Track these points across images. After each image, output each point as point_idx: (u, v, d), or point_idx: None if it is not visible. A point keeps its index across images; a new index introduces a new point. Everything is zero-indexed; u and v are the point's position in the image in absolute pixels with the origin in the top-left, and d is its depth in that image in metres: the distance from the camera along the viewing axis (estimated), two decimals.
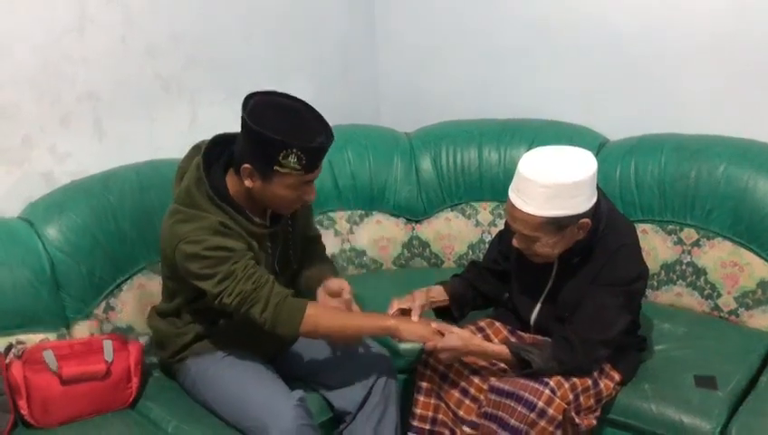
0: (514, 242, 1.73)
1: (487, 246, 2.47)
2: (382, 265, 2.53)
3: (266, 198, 1.70)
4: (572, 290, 1.76)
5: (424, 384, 1.87)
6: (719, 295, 2.15)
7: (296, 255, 1.92)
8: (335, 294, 1.85)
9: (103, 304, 1.98)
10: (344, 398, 1.88)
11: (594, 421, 1.77)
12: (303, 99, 2.74)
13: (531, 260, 1.76)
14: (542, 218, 1.61)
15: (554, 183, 1.60)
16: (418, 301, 1.83)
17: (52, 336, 1.85)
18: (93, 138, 2.15)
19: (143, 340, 1.98)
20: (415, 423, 1.87)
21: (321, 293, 1.87)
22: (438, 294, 1.93)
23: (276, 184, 1.66)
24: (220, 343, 1.85)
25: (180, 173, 1.79)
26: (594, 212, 1.67)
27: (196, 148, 1.80)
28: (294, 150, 1.60)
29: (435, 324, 1.79)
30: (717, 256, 2.14)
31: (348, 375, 1.88)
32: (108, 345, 1.80)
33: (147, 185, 2.09)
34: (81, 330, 1.92)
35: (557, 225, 1.63)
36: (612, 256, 1.71)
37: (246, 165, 1.66)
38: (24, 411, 1.70)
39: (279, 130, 1.59)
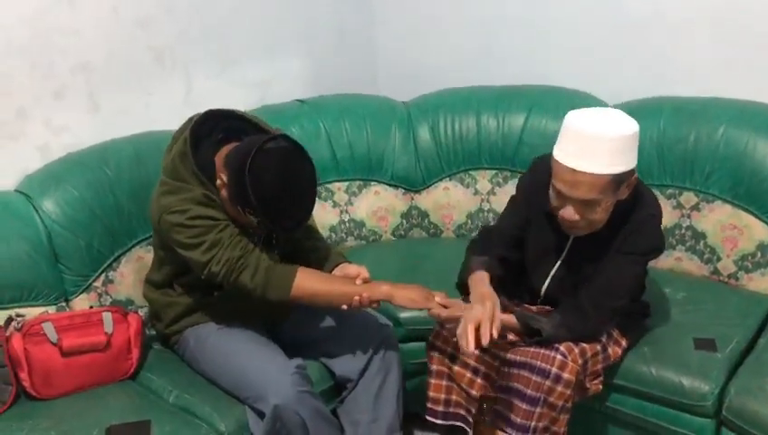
0: (567, 214, 1.62)
1: (487, 215, 2.49)
2: (381, 236, 2.53)
3: (231, 210, 1.69)
4: (590, 258, 1.73)
5: (434, 367, 1.84)
6: (719, 259, 2.14)
7: (280, 244, 1.88)
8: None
9: (102, 277, 1.98)
10: (345, 366, 1.88)
11: (600, 386, 1.78)
12: (299, 71, 2.78)
13: (551, 227, 1.72)
14: (609, 176, 1.55)
15: (621, 135, 1.54)
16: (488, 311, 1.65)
17: (51, 309, 1.86)
18: (88, 110, 2.14)
19: (142, 312, 1.99)
20: (429, 406, 1.85)
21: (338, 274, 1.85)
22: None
23: (240, 213, 1.64)
24: (216, 314, 1.85)
25: (171, 144, 1.78)
26: None
27: (191, 120, 1.78)
28: (261, 219, 1.60)
29: (436, 294, 1.77)
30: (717, 219, 2.13)
31: (348, 343, 1.88)
32: (107, 317, 1.80)
33: (143, 157, 2.09)
34: (81, 303, 1.92)
35: (618, 182, 1.58)
36: (640, 225, 1.69)
37: (224, 178, 1.63)
38: (26, 383, 1.71)
39: (261, 196, 1.56)
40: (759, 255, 2.08)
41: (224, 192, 1.65)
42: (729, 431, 1.75)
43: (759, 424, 1.66)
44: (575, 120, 1.59)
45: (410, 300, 1.73)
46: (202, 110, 1.78)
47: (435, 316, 1.75)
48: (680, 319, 1.96)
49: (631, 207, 1.68)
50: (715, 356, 1.81)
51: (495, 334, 1.58)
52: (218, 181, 1.66)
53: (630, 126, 1.58)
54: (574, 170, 1.56)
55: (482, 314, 1.59)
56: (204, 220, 1.66)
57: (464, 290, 1.78)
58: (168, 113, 2.24)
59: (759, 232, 2.07)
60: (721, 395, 1.75)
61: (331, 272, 1.84)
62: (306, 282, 1.71)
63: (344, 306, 1.73)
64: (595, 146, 1.54)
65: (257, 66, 2.60)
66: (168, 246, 1.75)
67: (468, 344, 1.57)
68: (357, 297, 1.70)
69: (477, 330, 1.58)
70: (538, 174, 1.77)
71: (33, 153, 2.03)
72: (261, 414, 1.69)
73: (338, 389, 1.93)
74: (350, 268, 1.83)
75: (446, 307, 1.73)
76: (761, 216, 2.06)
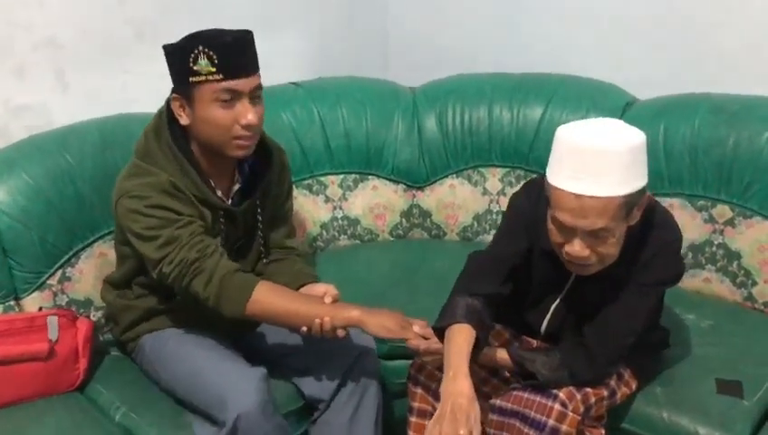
0: (574, 251, 1.35)
1: (495, 217, 2.25)
2: (378, 236, 2.31)
3: (204, 130, 1.53)
4: (596, 293, 1.48)
5: (416, 404, 1.62)
6: (754, 284, 1.87)
7: (266, 247, 1.74)
8: None
9: (58, 274, 1.80)
10: (316, 384, 1.68)
11: (603, 431, 1.54)
12: (301, 51, 2.57)
13: (551, 261, 1.46)
14: (621, 199, 1.29)
15: (628, 147, 1.28)
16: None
17: None
18: (54, 90, 1.96)
19: (101, 314, 1.82)
20: None
21: None
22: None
23: (200, 102, 1.49)
24: (176, 320, 1.68)
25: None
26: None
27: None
28: (202, 49, 1.45)
29: (414, 322, 1.54)
30: (755, 237, 1.85)
31: (320, 359, 1.68)
32: (53, 322, 1.63)
33: (110, 142, 1.90)
34: (32, 302, 1.75)
35: (630, 205, 1.32)
36: (654, 256, 1.43)
37: (173, 95, 1.54)
38: None
39: (186, 38, 1.48)
40: None
41: (184, 111, 1.54)
42: None
43: None
44: (570, 136, 1.32)
45: (384, 328, 1.52)
46: None
47: (413, 348, 1.54)
48: (703, 353, 1.70)
49: (644, 234, 1.42)
50: (740, 404, 1.55)
51: None
52: (181, 119, 1.55)
53: (636, 135, 1.32)
54: (579, 196, 1.29)
55: None
56: (163, 211, 1.50)
57: (440, 337, 1.49)
58: (148, 94, 2.04)
59: None
60: None
61: (297, 290, 1.65)
62: (264, 297, 1.51)
63: (304, 328, 1.52)
64: (601, 163, 1.28)
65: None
66: (127, 241, 1.59)
67: None
68: (318, 320, 1.50)
69: None
70: (535, 201, 1.50)
71: None
72: (217, 424, 1.51)
73: (309, 410, 1.74)
74: (318, 287, 1.64)
75: (425, 338, 1.51)
76: None
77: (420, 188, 2.31)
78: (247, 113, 1.50)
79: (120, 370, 1.74)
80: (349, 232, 2.29)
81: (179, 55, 1.48)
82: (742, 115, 1.89)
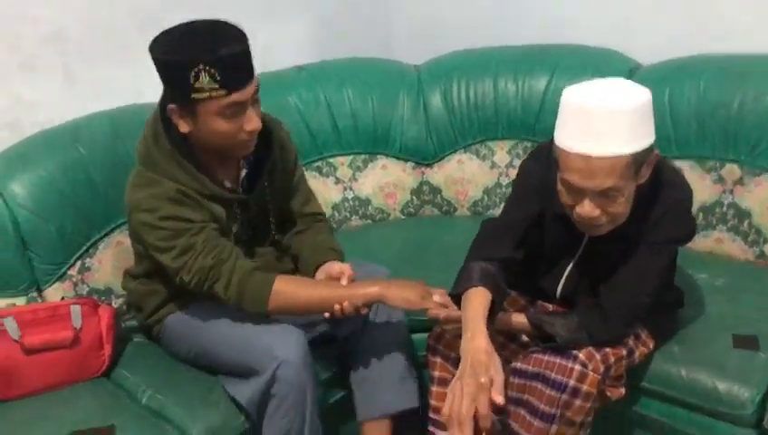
0: (585, 211, 1.36)
1: (505, 190, 2.26)
2: (389, 215, 2.32)
3: (208, 138, 1.51)
4: (609, 255, 1.48)
5: (436, 373, 1.64)
6: (766, 241, 1.88)
7: (280, 227, 1.75)
8: (334, 280, 1.64)
9: (78, 265, 1.83)
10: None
11: (623, 390, 1.55)
12: (303, 32, 2.56)
13: (564, 224, 1.47)
14: (629, 157, 1.30)
15: (635, 105, 1.29)
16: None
17: (20, 301, 1.72)
18: (63, 84, 1.98)
19: (119, 303, 1.84)
20: (432, 416, 1.65)
21: (319, 277, 1.68)
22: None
23: (204, 116, 1.46)
24: (203, 298, 1.66)
25: (144, 130, 1.61)
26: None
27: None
28: (202, 67, 1.40)
29: (434, 291, 1.56)
30: (764, 195, 1.86)
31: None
32: (76, 311, 1.65)
33: (122, 133, 1.91)
34: (54, 293, 1.78)
35: (638, 163, 1.33)
36: (665, 214, 1.43)
37: (171, 106, 1.49)
38: None
39: (180, 50, 1.42)
40: None
41: (185, 122, 1.49)
42: None
43: None
44: (576, 97, 1.32)
45: (405, 300, 1.54)
46: None
47: (433, 317, 1.55)
48: (718, 311, 1.72)
49: (654, 193, 1.43)
50: (757, 356, 1.57)
51: (501, 401, 1.30)
52: (181, 127, 1.50)
53: (643, 93, 1.33)
54: (587, 156, 1.30)
55: (478, 400, 1.29)
56: (175, 222, 1.51)
57: (457, 302, 1.50)
58: (155, 86, 2.07)
59: None
60: (764, 402, 1.52)
61: (314, 272, 1.67)
62: (284, 290, 1.54)
63: (326, 314, 1.55)
64: (607, 123, 1.28)
65: (256, 30, 2.37)
66: (142, 241, 1.60)
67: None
68: (337, 306, 1.52)
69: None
70: (544, 166, 1.51)
71: (1, 131, 1.88)
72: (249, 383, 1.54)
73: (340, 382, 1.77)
74: (334, 267, 1.65)
75: (446, 307, 1.53)
76: None
77: (429, 166, 2.32)
78: (252, 121, 1.50)
79: (144, 355, 1.76)
80: (360, 212, 2.30)
81: (177, 71, 1.43)
82: (746, 75, 1.89)
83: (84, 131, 1.89)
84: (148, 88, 2.05)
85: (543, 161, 1.52)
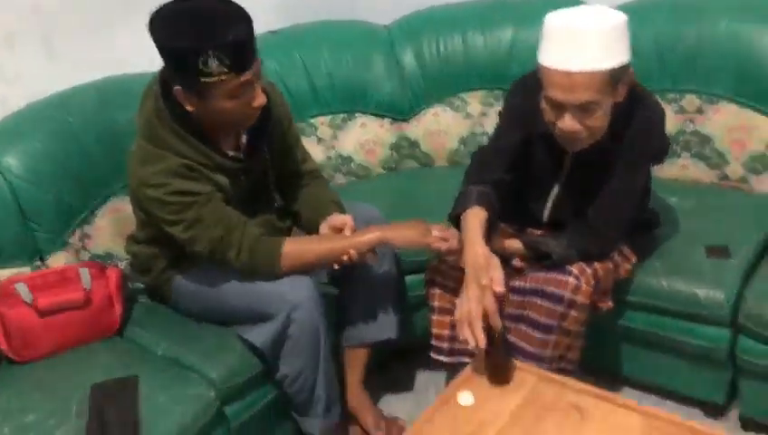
0: (566, 125, 1.47)
1: (480, 138, 2.36)
2: (371, 171, 2.40)
3: (215, 116, 1.53)
4: (591, 175, 1.61)
5: (436, 303, 1.75)
6: (727, 163, 2.03)
7: (283, 190, 1.81)
8: (337, 231, 1.72)
9: (78, 233, 1.86)
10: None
11: (611, 303, 1.69)
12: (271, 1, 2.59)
13: (548, 148, 1.59)
14: (605, 73, 1.41)
15: (610, 25, 1.41)
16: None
17: (26, 270, 1.75)
18: (44, 57, 1.99)
19: (123, 266, 1.88)
20: (434, 343, 1.76)
21: (323, 229, 1.75)
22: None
23: (213, 97, 1.48)
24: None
25: (143, 101, 1.62)
26: None
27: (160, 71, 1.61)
28: (211, 53, 1.41)
29: (433, 227, 1.65)
30: (723, 121, 2.00)
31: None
32: (84, 273, 1.70)
33: (109, 101, 1.95)
34: (57, 261, 1.81)
35: (615, 80, 1.45)
36: (641, 130, 1.55)
37: (176, 87, 1.50)
38: (4, 347, 1.62)
39: (186, 36, 1.42)
40: None
41: (191, 102, 1.51)
42: (747, 338, 1.67)
43: None
44: (558, 21, 1.45)
45: (407, 239, 1.63)
46: None
47: (435, 251, 1.65)
48: (690, 228, 1.86)
49: (630, 113, 1.55)
50: (728, 263, 1.72)
51: (501, 290, 1.45)
52: (187, 106, 1.51)
53: (618, 15, 1.46)
54: (568, 72, 1.42)
55: (484, 300, 1.44)
56: (183, 196, 1.55)
57: (456, 224, 1.63)
58: (138, 53, 2.08)
59: None
60: (737, 302, 1.67)
61: (317, 226, 1.75)
62: (292, 250, 1.61)
63: (335, 266, 1.64)
64: (586, 41, 1.41)
65: None
66: (144, 210, 1.64)
67: (480, 342, 1.43)
68: (345, 256, 1.61)
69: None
70: (525, 95, 1.62)
71: None
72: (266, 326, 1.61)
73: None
74: (336, 219, 1.72)
75: (446, 240, 1.63)
76: None
77: (406, 121, 2.40)
78: (259, 96, 1.53)
79: (154, 313, 1.82)
80: (343, 169, 2.38)
81: (185, 57, 1.43)
82: (701, 10, 2.02)
83: (72, 102, 1.92)
84: (129, 57, 2.09)
85: (524, 89, 1.63)
